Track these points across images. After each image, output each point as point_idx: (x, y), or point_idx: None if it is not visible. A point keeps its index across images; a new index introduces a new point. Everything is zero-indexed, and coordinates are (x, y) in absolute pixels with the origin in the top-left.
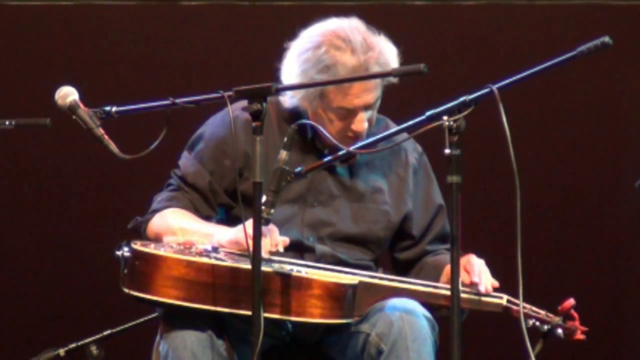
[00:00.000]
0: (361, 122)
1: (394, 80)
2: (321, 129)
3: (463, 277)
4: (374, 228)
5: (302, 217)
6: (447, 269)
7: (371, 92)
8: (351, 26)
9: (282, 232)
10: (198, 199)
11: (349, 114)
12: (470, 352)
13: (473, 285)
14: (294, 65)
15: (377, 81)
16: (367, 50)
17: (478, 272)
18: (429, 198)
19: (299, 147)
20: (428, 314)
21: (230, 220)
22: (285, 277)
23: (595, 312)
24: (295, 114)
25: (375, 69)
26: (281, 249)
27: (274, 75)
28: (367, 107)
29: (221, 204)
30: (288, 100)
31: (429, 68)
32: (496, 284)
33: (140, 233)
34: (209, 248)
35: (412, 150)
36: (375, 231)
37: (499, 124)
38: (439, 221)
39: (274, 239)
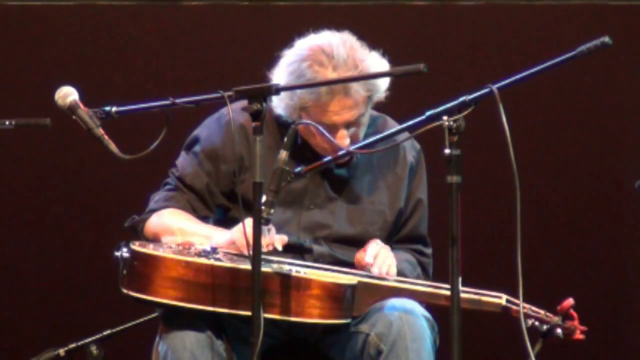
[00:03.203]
0: (342, 139)
1: (382, 98)
2: (321, 129)
3: (360, 256)
4: (370, 229)
5: (299, 220)
6: (357, 256)
7: (351, 110)
8: (339, 42)
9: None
10: (196, 200)
11: (330, 130)
12: (470, 352)
13: (365, 266)
14: (282, 75)
15: (358, 99)
16: (349, 68)
17: (374, 254)
18: (411, 192)
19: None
20: (427, 314)
21: (228, 221)
22: (284, 278)
23: (594, 312)
24: (285, 120)
25: (355, 88)
26: (279, 247)
27: (271, 77)
28: (348, 125)
29: (218, 204)
30: (276, 108)
31: (429, 68)
32: (392, 273)
33: (137, 232)
34: (208, 249)
35: (410, 148)
36: (371, 232)
37: (499, 124)
38: (414, 218)
39: (268, 239)
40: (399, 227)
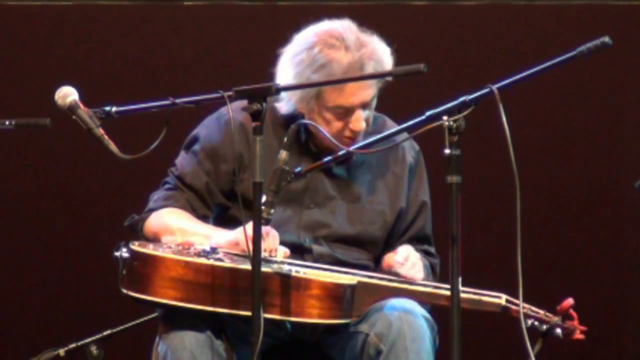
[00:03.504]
0: (359, 121)
1: (389, 78)
2: (320, 128)
3: (389, 257)
4: (370, 228)
5: (299, 219)
6: (386, 257)
7: (368, 89)
8: (344, 26)
9: (279, 234)
10: (195, 199)
11: (346, 113)
12: (470, 352)
13: (394, 265)
14: (288, 68)
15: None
16: (360, 47)
17: (406, 256)
18: (414, 195)
19: (295, 150)
20: (427, 314)
21: (227, 220)
22: (284, 278)
23: (594, 312)
24: (291, 119)
25: (370, 65)
26: (280, 259)
27: (274, 75)
28: (364, 105)
29: (218, 203)
30: (284, 106)
31: (429, 68)
32: (418, 278)
33: (136, 231)
34: (208, 249)
35: (410, 149)
36: (371, 231)
37: (499, 124)
38: (420, 219)
39: (271, 244)
40: (404, 229)
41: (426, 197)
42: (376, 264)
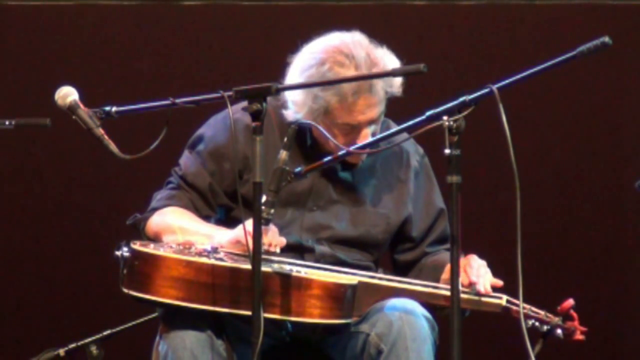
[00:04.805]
0: (365, 137)
1: (397, 93)
2: (321, 129)
3: (462, 278)
4: (372, 231)
5: (301, 221)
6: (448, 267)
7: (375, 108)
8: (354, 41)
9: (282, 236)
10: (198, 199)
11: (353, 130)
12: (470, 352)
13: (471, 285)
14: (297, 82)
15: (381, 96)
16: (371, 67)
17: (477, 272)
18: (430, 201)
19: (299, 153)
20: (428, 314)
21: (230, 221)
22: (285, 277)
23: (594, 313)
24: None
25: (379, 86)
26: (277, 251)
27: (274, 75)
28: (370, 123)
29: (221, 204)
30: (291, 115)
31: (429, 68)
32: (499, 283)
33: (139, 230)
34: (209, 248)
35: (414, 153)
36: (374, 234)
37: (499, 124)
38: (440, 224)
39: (271, 238)
40: (423, 233)
41: (442, 203)
42: (377, 266)
